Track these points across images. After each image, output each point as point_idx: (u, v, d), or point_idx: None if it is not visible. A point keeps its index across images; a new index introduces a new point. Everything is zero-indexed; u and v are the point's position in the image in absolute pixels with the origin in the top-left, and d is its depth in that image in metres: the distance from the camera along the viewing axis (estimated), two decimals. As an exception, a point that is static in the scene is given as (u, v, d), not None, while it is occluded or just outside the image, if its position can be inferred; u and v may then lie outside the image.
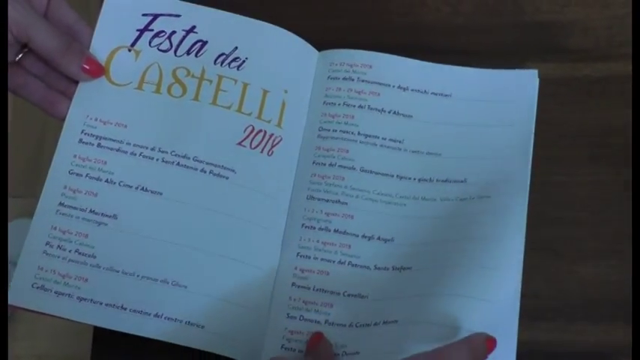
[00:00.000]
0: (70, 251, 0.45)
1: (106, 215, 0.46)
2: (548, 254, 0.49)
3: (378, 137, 0.50)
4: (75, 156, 0.47)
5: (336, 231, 0.48)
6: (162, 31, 0.50)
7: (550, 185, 0.50)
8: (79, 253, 0.45)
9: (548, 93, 0.51)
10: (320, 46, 0.53)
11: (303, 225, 0.48)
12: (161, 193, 0.47)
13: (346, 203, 0.49)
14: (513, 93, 0.51)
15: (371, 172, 0.49)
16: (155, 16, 0.50)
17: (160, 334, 0.44)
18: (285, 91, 0.51)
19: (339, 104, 0.51)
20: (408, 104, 0.51)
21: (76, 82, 0.48)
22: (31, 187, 1.11)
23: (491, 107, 0.51)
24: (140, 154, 0.47)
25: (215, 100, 0.49)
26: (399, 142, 0.50)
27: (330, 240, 0.48)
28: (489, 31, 0.55)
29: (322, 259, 0.48)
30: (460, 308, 0.43)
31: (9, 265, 0.42)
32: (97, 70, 0.48)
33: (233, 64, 0.50)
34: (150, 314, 0.44)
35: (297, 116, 0.51)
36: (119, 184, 0.47)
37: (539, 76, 0.51)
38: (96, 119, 0.48)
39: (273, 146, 0.49)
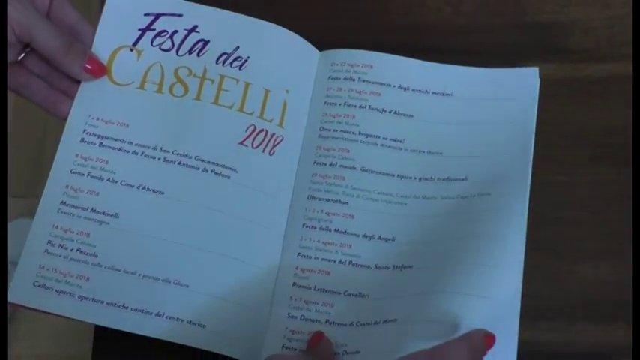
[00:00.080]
0: (71, 250, 0.45)
1: (108, 214, 0.46)
2: (548, 254, 0.49)
3: (379, 137, 0.50)
4: (77, 155, 0.47)
5: (336, 231, 0.48)
6: (164, 31, 0.50)
7: (550, 185, 0.50)
8: (81, 252, 0.45)
9: (548, 93, 0.51)
10: (320, 46, 0.53)
11: (303, 225, 0.48)
12: (163, 193, 0.47)
13: (347, 203, 0.49)
14: (514, 91, 0.51)
15: (372, 171, 0.50)
16: (157, 16, 0.50)
17: (161, 333, 0.44)
18: (287, 91, 0.51)
19: (340, 104, 0.51)
20: (408, 104, 0.51)
21: (78, 82, 0.48)
22: (32, 188, 1.11)
23: (492, 105, 0.51)
24: (142, 154, 0.47)
25: (217, 100, 0.49)
26: (400, 141, 0.50)
27: (331, 240, 0.48)
28: (490, 32, 0.55)
29: (323, 259, 0.48)
30: (460, 306, 0.43)
31: (9, 265, 0.42)
32: (99, 70, 0.48)
33: (235, 64, 0.50)
34: (151, 313, 0.44)
35: (298, 116, 0.51)
36: (121, 183, 0.47)
37: (540, 77, 0.51)
38: (98, 119, 0.48)
39: (274, 146, 0.49)
